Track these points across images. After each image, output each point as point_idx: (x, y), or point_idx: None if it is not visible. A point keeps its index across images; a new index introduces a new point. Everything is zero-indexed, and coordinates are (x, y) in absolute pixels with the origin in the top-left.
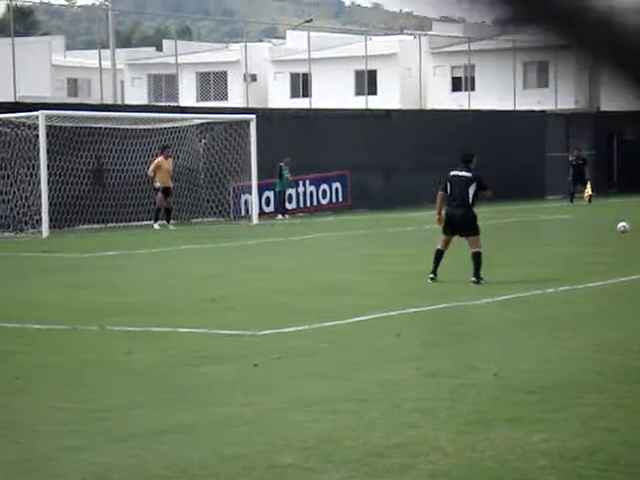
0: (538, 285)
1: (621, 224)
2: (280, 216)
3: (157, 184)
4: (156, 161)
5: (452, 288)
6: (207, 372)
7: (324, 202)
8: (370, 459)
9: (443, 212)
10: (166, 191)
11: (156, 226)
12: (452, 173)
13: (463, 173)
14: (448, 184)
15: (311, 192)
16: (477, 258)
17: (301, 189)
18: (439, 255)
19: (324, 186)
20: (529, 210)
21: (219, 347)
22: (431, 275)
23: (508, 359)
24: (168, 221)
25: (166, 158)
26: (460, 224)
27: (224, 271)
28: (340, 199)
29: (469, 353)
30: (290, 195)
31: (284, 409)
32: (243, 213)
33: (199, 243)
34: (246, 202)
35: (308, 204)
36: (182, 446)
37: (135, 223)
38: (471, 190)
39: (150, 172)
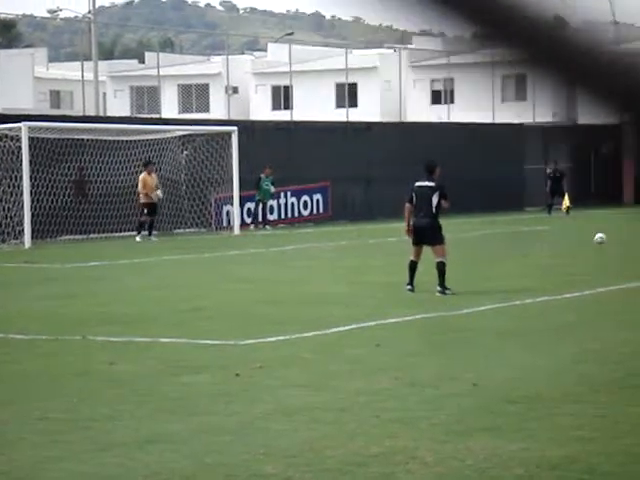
0: (517, 296)
1: (598, 235)
2: (252, 227)
3: (142, 200)
4: (141, 178)
5: (432, 298)
6: (189, 382)
7: (305, 213)
8: (350, 468)
9: (411, 223)
10: (151, 207)
11: (138, 238)
12: (417, 184)
13: (427, 183)
14: (414, 195)
15: (292, 203)
16: (441, 267)
17: (282, 200)
18: (413, 266)
19: (305, 197)
20: (508, 221)
21: (201, 357)
22: (408, 286)
23: (487, 369)
24: (150, 233)
25: (149, 173)
26: (425, 234)
27: (206, 281)
28: (321, 210)
29: (449, 363)
30: (272, 206)
31: (265, 418)
32: (225, 224)
33: (181, 254)
34: (228, 213)
35: (289, 215)
36: (164, 455)
37: (117, 234)
38: (434, 199)
39: (141, 189)
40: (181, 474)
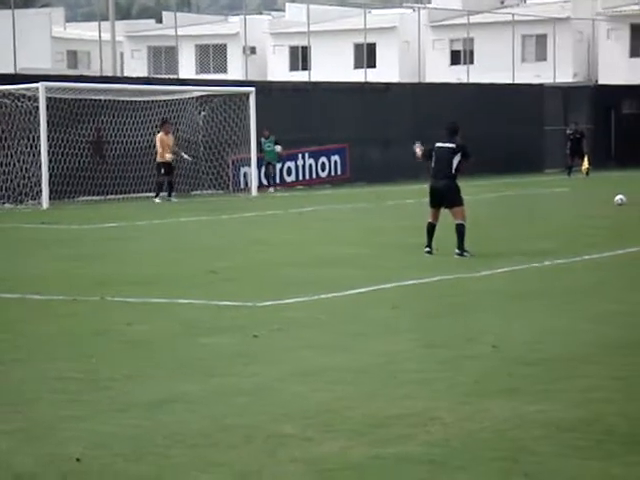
0: (536, 258)
1: (618, 197)
2: (271, 189)
3: (158, 159)
4: (158, 137)
5: (450, 261)
6: (207, 343)
7: (323, 175)
8: (369, 429)
9: (429, 184)
10: (167, 167)
11: (157, 200)
12: (437, 145)
13: (447, 145)
14: (433, 154)
15: (310, 165)
16: (461, 230)
17: (300, 162)
18: (431, 228)
19: (323, 159)
20: (527, 183)
21: (219, 318)
22: (427, 248)
23: (506, 331)
24: (170, 194)
25: (166, 134)
26: (444, 196)
27: (224, 243)
28: (339, 172)
29: (467, 325)
30: (289, 168)
31: (283, 379)
32: (242, 186)
33: (199, 215)
34: (245, 175)
35: (307, 177)
36: (183, 416)
37: (135, 195)
38: (455, 161)
39: (159, 148)
40: (199, 434)
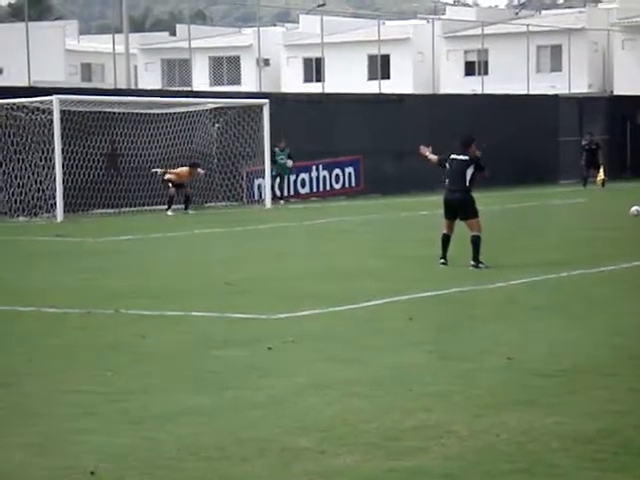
0: (552, 269)
1: (634, 208)
2: (282, 202)
3: (167, 176)
4: (182, 169)
5: (466, 272)
6: (221, 355)
7: (337, 187)
8: (384, 442)
9: (442, 197)
10: (179, 184)
11: (169, 212)
12: (452, 156)
13: (461, 157)
14: (447, 165)
15: (324, 177)
16: (476, 242)
17: (314, 174)
18: (445, 239)
19: (337, 171)
20: (543, 195)
21: (233, 331)
22: (442, 260)
23: (521, 343)
24: (187, 208)
25: (190, 173)
26: (458, 208)
27: (238, 255)
28: (353, 184)
29: (482, 337)
30: (303, 179)
31: (298, 392)
32: (256, 197)
33: (213, 227)
34: (259, 186)
35: (321, 189)
36: (197, 428)
37: (149, 207)
38: (469, 173)
39: (172, 173)
40: (214, 447)
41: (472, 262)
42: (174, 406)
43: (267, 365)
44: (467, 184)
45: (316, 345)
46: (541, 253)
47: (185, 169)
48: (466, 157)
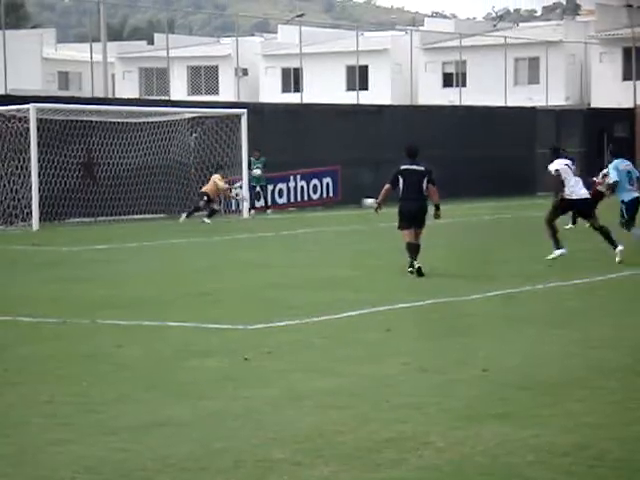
0: (528, 281)
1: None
2: (253, 212)
3: (204, 188)
4: (215, 179)
5: (442, 283)
6: (197, 366)
7: (315, 197)
8: (360, 454)
9: (398, 206)
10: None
11: (207, 220)
12: (403, 167)
13: (415, 167)
14: (400, 178)
15: (302, 187)
16: (419, 249)
17: (292, 184)
18: (411, 247)
19: (315, 181)
20: (520, 206)
21: (209, 341)
22: (410, 268)
23: (498, 355)
24: (209, 217)
25: (222, 178)
26: (417, 217)
27: (215, 265)
28: (331, 194)
29: (459, 349)
30: (281, 190)
31: (274, 403)
32: (234, 207)
33: (190, 237)
34: (237, 196)
35: (299, 199)
36: (172, 439)
37: (125, 217)
38: (424, 183)
39: (214, 187)
40: (188, 458)
41: (410, 268)
42: (149, 417)
43: (243, 376)
44: (424, 194)
45: (292, 356)
46: (517, 265)
47: (216, 177)
48: (421, 167)
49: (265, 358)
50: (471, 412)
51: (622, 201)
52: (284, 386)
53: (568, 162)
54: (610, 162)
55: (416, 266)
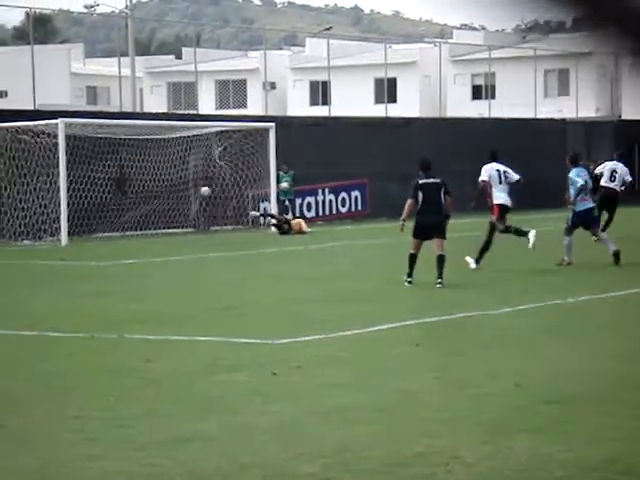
0: (559, 295)
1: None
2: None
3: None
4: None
5: (470, 297)
6: (225, 380)
7: (343, 210)
8: (389, 469)
9: (415, 219)
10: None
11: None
12: (422, 181)
13: (433, 180)
14: (420, 192)
15: (330, 200)
16: (444, 260)
17: (320, 197)
18: (413, 259)
19: (343, 194)
20: (551, 219)
21: (237, 356)
22: (408, 279)
23: (527, 368)
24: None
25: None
26: (435, 229)
27: (242, 279)
28: (359, 207)
29: (488, 362)
30: (309, 203)
31: (302, 418)
32: (262, 221)
33: (218, 251)
34: (265, 210)
35: (327, 212)
36: (200, 454)
37: (154, 231)
38: (442, 195)
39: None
40: (216, 473)
41: (439, 280)
42: (177, 431)
43: (272, 390)
44: (442, 206)
45: (321, 370)
46: (548, 278)
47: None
48: (438, 180)
49: (293, 373)
50: (501, 426)
51: (574, 210)
52: (312, 401)
53: (500, 167)
54: (569, 171)
55: (408, 279)
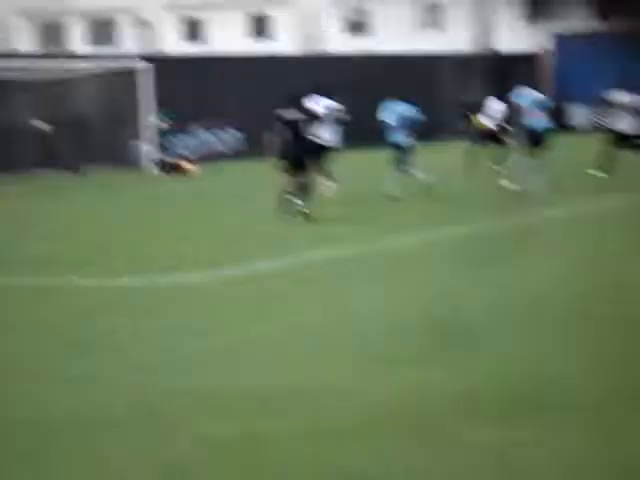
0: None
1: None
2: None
3: None
4: None
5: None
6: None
7: (220, 149)
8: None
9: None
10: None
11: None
12: (285, 115)
13: (298, 115)
14: (286, 126)
15: (206, 139)
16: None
17: (197, 136)
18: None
19: (219, 133)
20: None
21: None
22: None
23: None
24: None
25: None
26: (302, 161)
27: (119, 220)
28: (236, 146)
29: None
30: (186, 143)
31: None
32: (142, 163)
33: (94, 194)
34: (143, 151)
35: (204, 151)
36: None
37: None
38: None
39: None
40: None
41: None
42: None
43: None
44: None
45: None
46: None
47: None
48: (303, 116)
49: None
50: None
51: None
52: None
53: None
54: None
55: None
